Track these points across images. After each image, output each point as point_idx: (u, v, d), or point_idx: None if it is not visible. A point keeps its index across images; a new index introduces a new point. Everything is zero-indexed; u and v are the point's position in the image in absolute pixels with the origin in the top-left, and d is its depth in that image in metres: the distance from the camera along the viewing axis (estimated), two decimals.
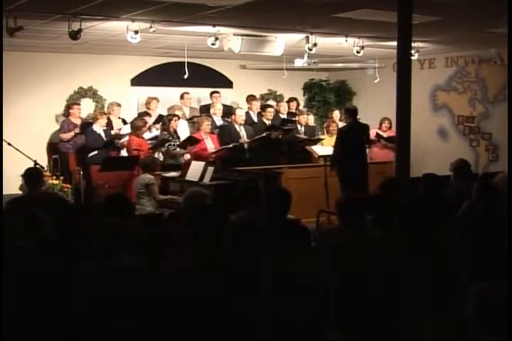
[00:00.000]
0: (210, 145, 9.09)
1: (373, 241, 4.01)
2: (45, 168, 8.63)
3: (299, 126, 9.97)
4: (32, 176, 5.62)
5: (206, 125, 9.13)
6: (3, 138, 6.63)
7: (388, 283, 3.72)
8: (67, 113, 10.09)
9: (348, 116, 8.50)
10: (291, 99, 11.20)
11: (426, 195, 5.43)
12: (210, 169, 7.38)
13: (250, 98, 10.63)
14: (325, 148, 9.38)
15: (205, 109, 10.50)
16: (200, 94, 11.11)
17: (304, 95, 12.73)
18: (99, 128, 9.24)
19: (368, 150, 9.45)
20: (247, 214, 4.55)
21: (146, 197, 6.92)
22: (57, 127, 10.15)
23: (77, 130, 9.46)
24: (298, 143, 9.83)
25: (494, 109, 10.53)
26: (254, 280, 3.54)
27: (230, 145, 9.02)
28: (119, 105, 9.99)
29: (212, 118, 9.74)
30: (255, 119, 10.21)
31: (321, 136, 10.08)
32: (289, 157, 9.81)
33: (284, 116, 10.43)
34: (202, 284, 3.35)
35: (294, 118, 10.26)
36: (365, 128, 8.63)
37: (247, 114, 10.03)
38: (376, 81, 10.53)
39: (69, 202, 6.25)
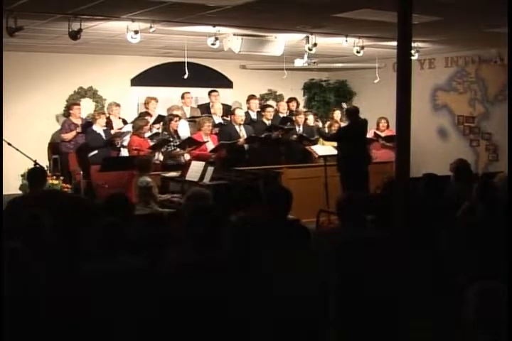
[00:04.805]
0: (211, 146, 9.09)
1: (373, 241, 4.01)
2: (46, 168, 8.64)
3: (296, 127, 9.98)
4: (36, 176, 5.62)
5: (207, 126, 9.14)
6: (3, 138, 6.63)
7: (388, 283, 3.72)
8: (67, 113, 10.10)
9: (348, 116, 8.55)
10: (290, 99, 11.21)
11: (426, 195, 5.43)
12: (210, 169, 7.39)
13: (249, 97, 10.65)
14: (325, 148, 9.39)
15: (205, 108, 10.51)
16: (198, 94, 11.12)
17: (303, 95, 12.74)
18: (99, 128, 9.26)
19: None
20: (247, 214, 4.55)
21: (146, 199, 6.91)
22: (58, 127, 10.17)
23: (79, 129, 9.47)
24: (297, 144, 9.85)
25: (494, 109, 10.53)
26: (254, 281, 3.54)
27: (228, 142, 9.02)
28: (118, 105, 10.01)
29: (212, 118, 9.75)
30: (255, 118, 10.22)
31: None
32: (289, 157, 9.82)
33: (283, 115, 10.42)
34: (202, 284, 3.35)
35: (293, 118, 10.27)
36: (365, 124, 8.64)
37: (246, 113, 10.04)
38: (376, 81, 10.53)
39: (77, 198, 6.20)
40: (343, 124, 10.19)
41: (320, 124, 10.72)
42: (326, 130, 10.38)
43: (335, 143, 9.02)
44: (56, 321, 3.31)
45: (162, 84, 11.07)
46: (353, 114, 8.48)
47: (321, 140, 9.90)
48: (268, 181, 7.46)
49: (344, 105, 10.49)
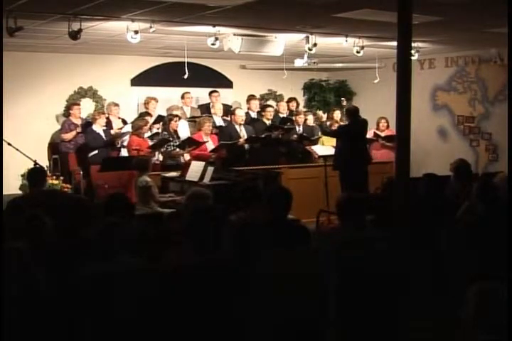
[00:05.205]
0: (211, 146, 9.09)
1: (373, 241, 4.00)
2: (46, 168, 8.64)
3: (296, 127, 9.98)
4: (36, 176, 5.62)
5: (207, 126, 9.14)
6: (3, 138, 6.63)
7: (388, 283, 3.72)
8: (67, 113, 10.10)
9: (348, 116, 8.55)
10: (290, 99, 11.21)
11: (426, 195, 5.43)
12: (210, 169, 7.39)
13: (249, 97, 10.65)
14: (325, 148, 9.39)
15: (205, 109, 10.51)
16: (198, 94, 11.12)
17: (303, 95, 12.73)
18: (99, 128, 9.26)
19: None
20: (247, 214, 4.55)
21: (146, 199, 6.91)
22: (58, 127, 10.17)
23: (79, 129, 9.48)
24: (297, 144, 9.86)
25: (494, 109, 10.53)
26: (255, 280, 3.54)
27: (228, 142, 9.02)
28: (116, 105, 10.01)
29: (212, 118, 9.75)
30: (255, 118, 10.22)
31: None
32: (289, 157, 9.82)
33: (283, 115, 10.43)
34: (202, 284, 3.35)
35: (293, 118, 10.27)
36: (365, 124, 8.65)
37: (246, 113, 10.04)
38: (376, 81, 10.53)
39: (77, 198, 6.19)
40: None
41: (324, 117, 10.73)
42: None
43: (334, 143, 9.03)
44: (56, 321, 3.31)
45: (162, 84, 11.06)
46: (352, 113, 8.48)
47: (321, 140, 9.91)
48: (268, 181, 7.46)
49: (344, 102, 10.50)
